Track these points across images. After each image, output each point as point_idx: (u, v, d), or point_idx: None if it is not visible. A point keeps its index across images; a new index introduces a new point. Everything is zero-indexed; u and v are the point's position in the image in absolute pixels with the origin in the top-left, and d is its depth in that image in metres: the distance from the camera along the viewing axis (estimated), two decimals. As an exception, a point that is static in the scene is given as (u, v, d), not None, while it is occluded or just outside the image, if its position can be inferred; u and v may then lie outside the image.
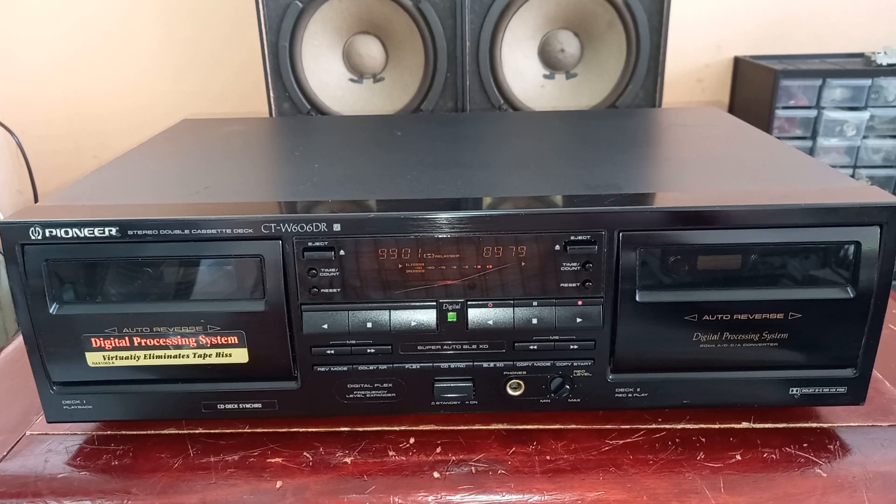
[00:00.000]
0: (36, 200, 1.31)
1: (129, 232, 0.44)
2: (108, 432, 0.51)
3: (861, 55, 1.24)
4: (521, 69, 0.93)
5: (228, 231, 0.44)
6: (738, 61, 1.28)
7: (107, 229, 0.44)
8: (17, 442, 0.51)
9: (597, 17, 0.90)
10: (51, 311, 0.46)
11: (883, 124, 1.17)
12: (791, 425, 0.50)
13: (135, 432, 0.51)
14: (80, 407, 0.48)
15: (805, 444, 0.48)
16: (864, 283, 0.45)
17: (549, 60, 0.93)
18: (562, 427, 0.50)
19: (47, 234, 0.44)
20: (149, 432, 0.51)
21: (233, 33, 1.25)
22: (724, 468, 0.47)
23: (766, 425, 0.50)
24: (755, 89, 1.22)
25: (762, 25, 1.26)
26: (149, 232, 0.44)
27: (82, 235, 0.44)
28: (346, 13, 0.90)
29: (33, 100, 1.30)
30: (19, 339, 0.66)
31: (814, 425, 0.50)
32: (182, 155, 0.63)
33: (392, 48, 0.93)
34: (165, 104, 1.30)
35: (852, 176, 1.18)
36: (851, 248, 0.45)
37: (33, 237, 0.44)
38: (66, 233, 0.44)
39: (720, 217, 0.44)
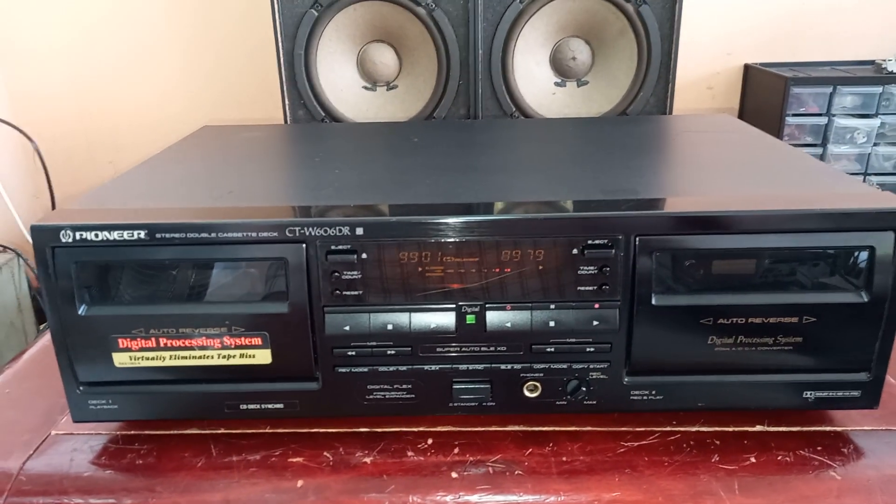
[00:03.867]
0: (53, 205, 1.32)
1: (157, 235, 0.45)
2: (132, 432, 0.52)
3: (872, 62, 1.24)
4: (532, 77, 0.94)
5: (253, 234, 0.45)
6: (748, 69, 1.28)
7: (135, 232, 0.45)
8: (43, 441, 0.52)
9: (608, 25, 0.91)
10: (79, 312, 0.47)
11: (894, 131, 1.17)
12: (805, 429, 0.51)
13: (158, 432, 0.52)
14: (105, 407, 0.49)
15: (819, 448, 0.49)
16: (879, 287, 0.46)
17: (561, 68, 0.95)
18: (578, 429, 0.51)
19: (77, 237, 0.45)
20: (172, 432, 0.52)
21: (246, 38, 1.27)
22: (739, 470, 0.47)
23: (781, 428, 0.51)
24: (766, 96, 1.22)
25: (772, 33, 1.27)
26: (176, 235, 0.45)
27: (111, 238, 0.45)
28: (361, 21, 0.92)
29: (48, 106, 1.32)
30: (41, 342, 0.67)
31: (828, 429, 0.51)
32: (204, 160, 0.64)
33: (405, 56, 0.94)
34: (179, 109, 1.32)
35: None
36: (866, 252, 0.45)
37: (63, 240, 0.45)
38: (96, 235, 0.45)
39: (736, 222, 0.45)
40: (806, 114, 1.17)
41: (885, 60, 1.19)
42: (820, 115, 1.17)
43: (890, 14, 1.26)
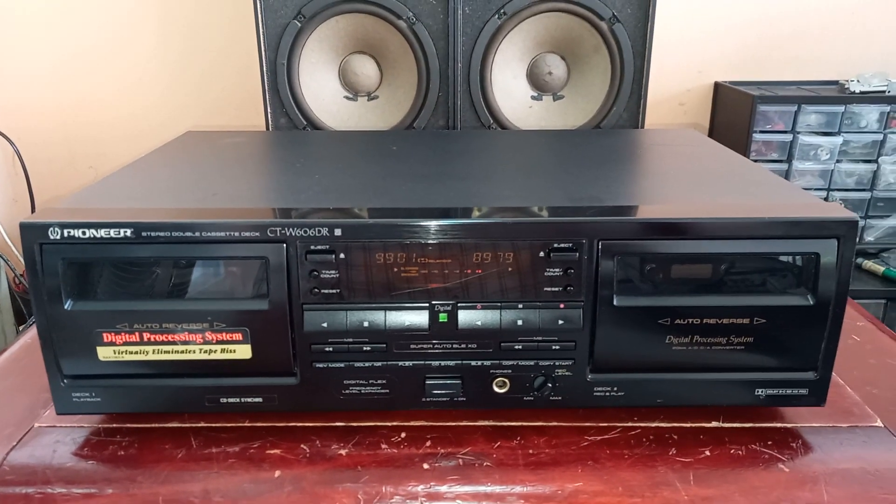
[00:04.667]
0: (33, 209, 1.33)
1: (143, 233, 0.47)
2: (114, 425, 0.54)
3: (836, 82, 1.30)
4: (510, 90, 0.97)
5: (236, 234, 0.47)
6: (718, 86, 1.33)
7: (122, 230, 0.47)
8: (26, 434, 0.53)
9: (583, 42, 0.95)
10: (65, 307, 0.48)
11: (856, 149, 1.22)
12: (758, 425, 0.54)
13: (140, 425, 0.53)
14: (89, 399, 0.51)
15: (770, 442, 0.52)
16: (823, 291, 0.49)
17: (538, 82, 0.98)
18: (544, 424, 0.54)
19: (65, 235, 0.47)
20: (153, 425, 0.53)
21: (229, 45, 1.29)
22: (695, 463, 0.50)
23: (735, 424, 0.54)
24: (734, 113, 1.27)
25: (742, 52, 1.32)
26: (161, 233, 0.47)
27: (98, 236, 0.47)
28: (343, 33, 0.94)
29: (28, 108, 1.32)
30: (21, 340, 0.68)
31: (779, 425, 0.54)
32: (189, 164, 0.66)
33: (386, 67, 0.97)
34: (161, 114, 1.33)
35: (826, 198, 1.23)
36: (811, 258, 0.49)
37: (52, 237, 0.47)
38: (84, 233, 0.47)
39: (691, 228, 0.48)
40: (772, 131, 1.21)
41: (847, 81, 1.24)
42: (785, 132, 1.21)
43: (852, 38, 1.31)
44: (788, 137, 1.21)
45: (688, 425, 0.53)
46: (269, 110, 0.95)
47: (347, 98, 0.97)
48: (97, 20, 1.28)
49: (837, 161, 1.22)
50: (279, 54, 0.93)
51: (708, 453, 0.51)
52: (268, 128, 0.95)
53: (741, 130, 1.22)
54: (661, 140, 0.77)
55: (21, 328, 1.21)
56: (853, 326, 0.69)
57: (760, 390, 0.52)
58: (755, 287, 0.50)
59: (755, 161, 1.07)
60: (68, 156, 1.36)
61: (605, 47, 0.94)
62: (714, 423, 0.54)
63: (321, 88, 0.96)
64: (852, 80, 1.23)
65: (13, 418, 0.55)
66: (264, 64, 0.93)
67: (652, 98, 1.15)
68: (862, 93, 1.21)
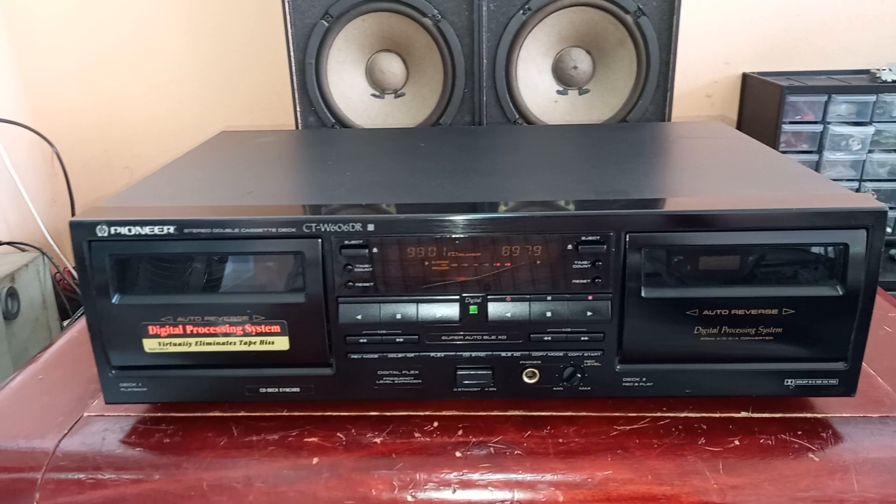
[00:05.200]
0: (72, 209, 1.37)
1: (185, 230, 0.49)
2: (159, 414, 0.56)
3: (867, 71, 1.28)
4: (535, 85, 0.98)
5: (273, 230, 0.49)
6: (745, 77, 1.32)
7: (165, 227, 0.49)
8: (76, 422, 0.56)
9: (608, 36, 0.95)
10: (113, 300, 0.51)
11: (888, 139, 1.20)
12: (787, 415, 0.54)
13: (183, 414, 0.56)
14: (135, 389, 0.53)
15: (800, 432, 0.52)
16: (852, 281, 0.49)
17: (563, 77, 0.98)
18: (574, 414, 0.55)
19: (112, 232, 0.49)
20: (196, 414, 0.56)
21: (258, 47, 1.31)
22: (724, 452, 0.51)
23: (764, 415, 0.54)
24: (762, 105, 1.26)
25: (769, 43, 1.31)
26: (202, 230, 0.49)
27: (143, 233, 0.49)
28: (369, 32, 0.96)
29: (64, 110, 1.36)
30: (68, 335, 0.71)
31: (808, 415, 0.54)
32: (224, 163, 0.69)
33: (412, 65, 0.98)
34: (192, 114, 1.36)
35: (858, 189, 1.22)
36: (840, 249, 0.49)
37: (99, 234, 0.49)
38: (129, 230, 0.49)
39: (719, 220, 0.49)
40: (802, 121, 1.20)
41: (879, 70, 1.22)
42: (815, 122, 1.20)
43: (882, 27, 1.29)
44: (819, 128, 1.20)
45: (717, 415, 0.54)
46: (297, 109, 0.97)
47: (374, 96, 0.99)
48: (129, 23, 1.31)
49: (869, 151, 1.21)
50: (307, 54, 0.94)
51: (737, 443, 0.51)
52: (297, 126, 0.97)
53: (770, 122, 1.21)
54: (688, 133, 0.77)
55: (66, 323, 1.25)
56: (885, 317, 0.69)
57: (790, 380, 0.52)
58: (783, 278, 0.50)
59: (784, 153, 1.06)
60: (103, 156, 1.40)
61: (630, 41, 0.94)
62: (743, 413, 0.54)
63: (349, 87, 0.98)
64: (883, 69, 1.22)
65: (64, 408, 0.58)
66: (293, 64, 0.95)
67: (678, 91, 1.15)
68: (894, 81, 1.19)
